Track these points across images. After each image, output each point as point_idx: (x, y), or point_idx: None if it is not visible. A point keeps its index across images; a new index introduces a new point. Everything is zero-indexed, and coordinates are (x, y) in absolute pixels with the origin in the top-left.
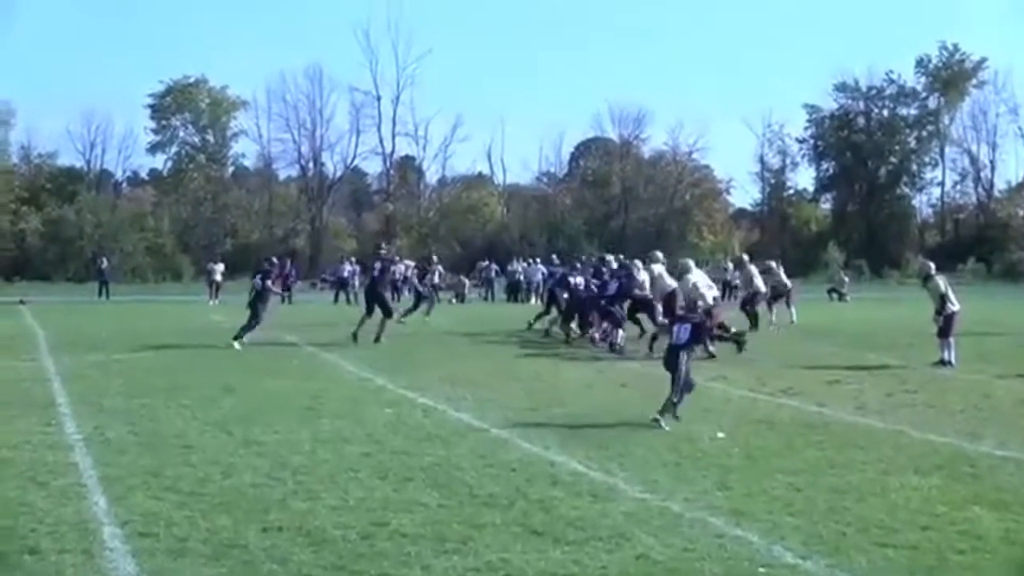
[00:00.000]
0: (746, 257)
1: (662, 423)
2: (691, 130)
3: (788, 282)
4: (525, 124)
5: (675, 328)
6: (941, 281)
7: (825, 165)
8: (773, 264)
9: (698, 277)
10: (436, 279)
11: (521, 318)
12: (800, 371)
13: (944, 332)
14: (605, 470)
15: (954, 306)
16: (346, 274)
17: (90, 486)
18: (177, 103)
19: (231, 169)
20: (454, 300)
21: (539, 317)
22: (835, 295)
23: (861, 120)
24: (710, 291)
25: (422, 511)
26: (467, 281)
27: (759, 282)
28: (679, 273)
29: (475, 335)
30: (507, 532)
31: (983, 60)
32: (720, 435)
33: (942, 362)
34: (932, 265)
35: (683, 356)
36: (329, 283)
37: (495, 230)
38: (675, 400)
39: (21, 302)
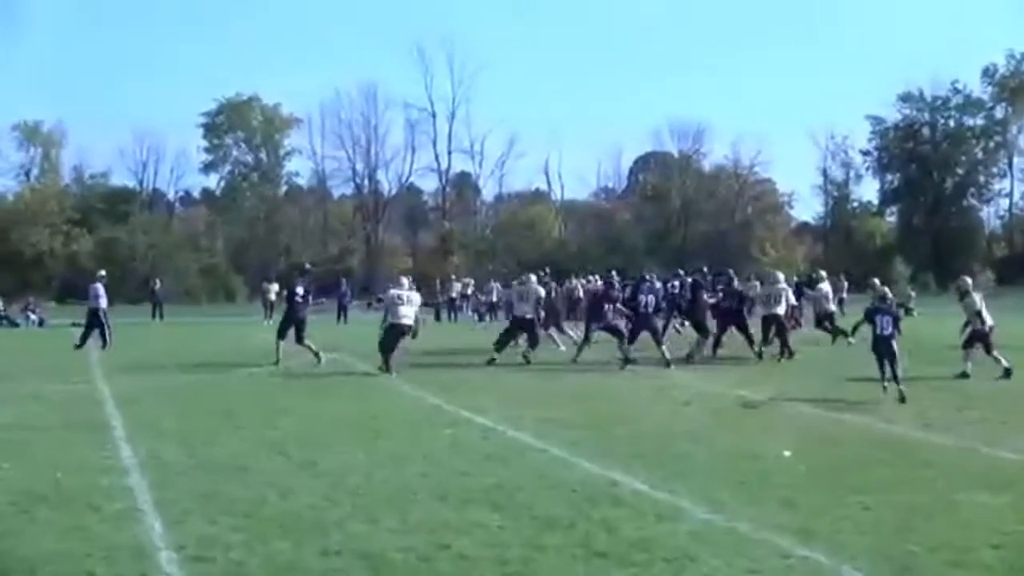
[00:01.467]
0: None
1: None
2: (752, 144)
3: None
4: (582, 139)
5: (878, 319)
6: (977, 298)
7: (890, 177)
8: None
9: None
10: (494, 297)
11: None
12: (866, 386)
13: (968, 343)
14: (668, 490)
15: (988, 323)
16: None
17: (145, 510)
18: (230, 121)
19: (284, 188)
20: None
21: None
22: (902, 309)
23: (926, 131)
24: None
25: (482, 533)
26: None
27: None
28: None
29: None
30: (569, 554)
31: None
32: (786, 453)
33: (964, 374)
34: (969, 281)
35: (894, 343)
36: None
37: (552, 247)
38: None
39: (74, 325)
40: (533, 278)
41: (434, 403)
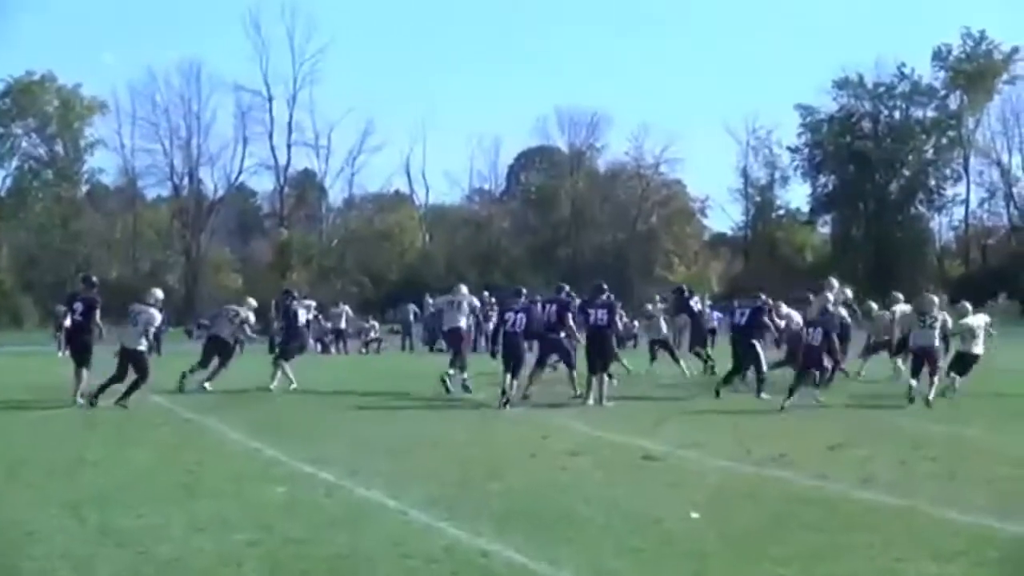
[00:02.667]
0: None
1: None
2: (658, 138)
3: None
4: (452, 131)
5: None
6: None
7: (823, 179)
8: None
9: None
10: (342, 323)
11: (444, 369)
12: (793, 434)
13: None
14: (550, 559)
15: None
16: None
17: None
18: (19, 106)
19: (86, 188)
20: (364, 350)
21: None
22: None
23: (867, 124)
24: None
25: None
26: (377, 324)
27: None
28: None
29: (389, 394)
30: None
31: (1015, 50)
32: (693, 515)
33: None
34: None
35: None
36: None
37: (415, 260)
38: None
39: None
40: (463, 287)
41: (268, 454)
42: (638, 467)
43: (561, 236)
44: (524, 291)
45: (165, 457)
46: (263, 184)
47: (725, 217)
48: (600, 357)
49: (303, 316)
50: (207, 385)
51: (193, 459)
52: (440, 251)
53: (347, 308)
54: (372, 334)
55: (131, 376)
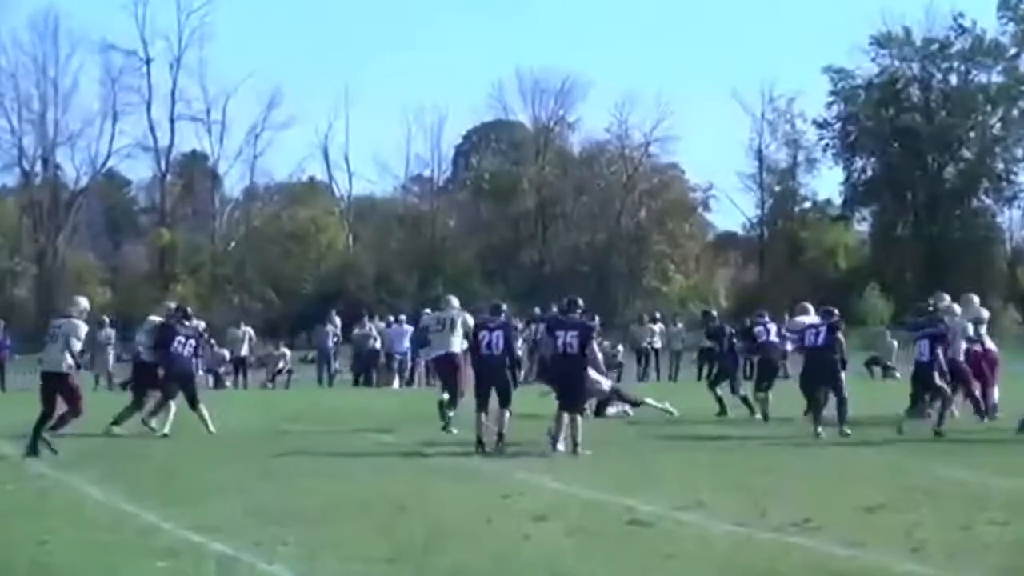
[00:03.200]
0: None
1: None
2: (647, 110)
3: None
4: (382, 103)
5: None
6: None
7: (859, 163)
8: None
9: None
10: (244, 350)
11: (376, 408)
12: (819, 491)
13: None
14: None
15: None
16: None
17: None
18: None
19: None
20: (270, 383)
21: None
22: (878, 368)
23: (915, 92)
24: None
25: None
26: (287, 352)
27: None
28: None
29: (303, 440)
30: None
31: None
32: None
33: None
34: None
35: None
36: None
37: (336, 268)
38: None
39: None
40: (454, 300)
41: (146, 519)
42: (623, 534)
43: (524, 236)
44: (503, 306)
45: (12, 526)
46: (139, 171)
47: (734, 212)
48: (570, 392)
49: (184, 343)
50: (154, 424)
51: (46, 527)
52: (368, 256)
53: (249, 330)
54: (281, 364)
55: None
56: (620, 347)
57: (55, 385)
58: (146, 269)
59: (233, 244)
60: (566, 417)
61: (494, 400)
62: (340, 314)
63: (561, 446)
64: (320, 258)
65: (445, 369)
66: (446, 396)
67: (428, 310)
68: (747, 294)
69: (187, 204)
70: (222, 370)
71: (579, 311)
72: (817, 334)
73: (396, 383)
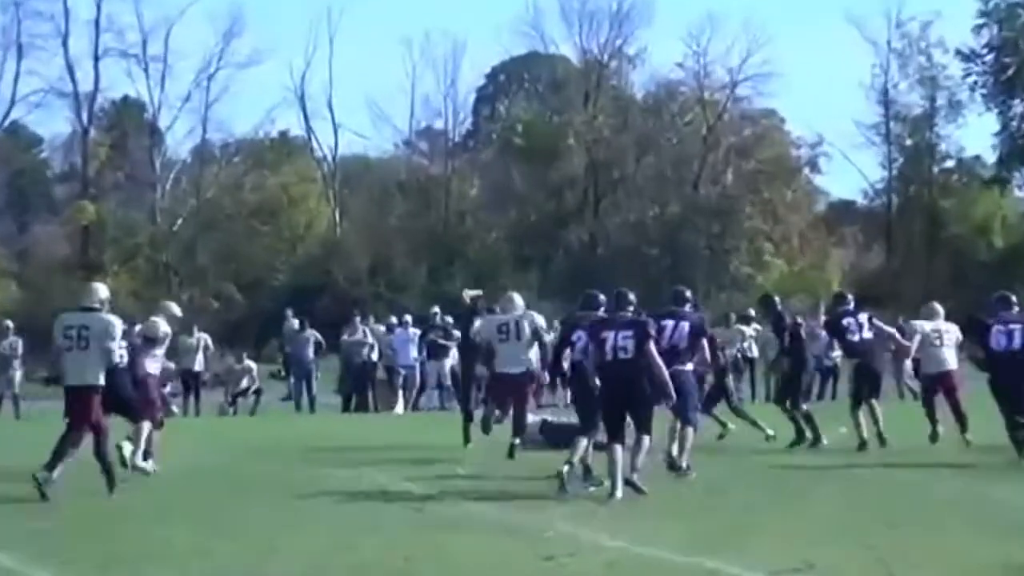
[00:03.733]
0: None
1: None
2: (733, 37)
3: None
4: (377, 31)
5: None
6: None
7: (1020, 106)
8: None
9: None
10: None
11: (373, 440)
12: (969, 549)
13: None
14: None
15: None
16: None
17: None
18: None
19: None
20: (230, 407)
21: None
22: None
23: None
24: None
25: None
26: (253, 366)
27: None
28: None
29: (277, 476)
30: None
31: None
32: None
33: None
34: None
35: None
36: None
37: (318, 256)
38: None
39: None
40: (518, 299)
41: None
42: None
43: (569, 209)
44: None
45: None
46: (53, 124)
47: (851, 174)
48: (637, 405)
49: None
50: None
51: None
52: (361, 237)
53: (204, 337)
54: (245, 381)
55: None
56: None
57: (88, 402)
58: (63, 256)
59: (180, 222)
60: (618, 448)
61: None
62: (323, 314)
63: (619, 491)
64: (296, 240)
65: (513, 389)
66: (515, 441)
67: (436, 309)
68: (870, 283)
69: (118, 169)
70: (167, 390)
71: (631, 307)
72: (1008, 336)
73: (399, 406)
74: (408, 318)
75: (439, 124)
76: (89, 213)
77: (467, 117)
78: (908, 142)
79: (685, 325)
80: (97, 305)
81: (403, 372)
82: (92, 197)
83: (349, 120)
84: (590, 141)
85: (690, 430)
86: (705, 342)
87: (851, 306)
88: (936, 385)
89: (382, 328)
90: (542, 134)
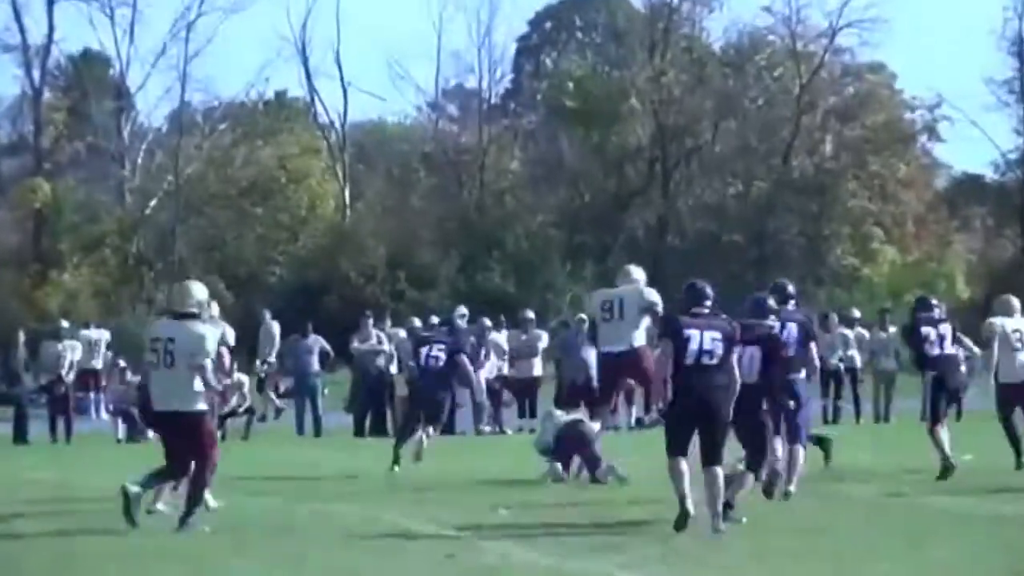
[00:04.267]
0: None
1: None
2: None
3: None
4: None
5: None
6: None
7: None
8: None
9: None
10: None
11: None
12: None
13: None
14: None
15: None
16: None
17: None
18: None
19: None
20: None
21: None
22: None
23: None
24: None
25: None
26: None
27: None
28: None
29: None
30: None
31: None
32: None
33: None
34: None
35: None
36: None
37: (324, 243)
38: None
39: None
40: (637, 272)
41: None
42: None
43: (632, 185)
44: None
45: None
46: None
47: (980, 143)
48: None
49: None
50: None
51: None
52: (376, 222)
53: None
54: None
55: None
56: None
57: (184, 430)
58: (12, 246)
59: (154, 204)
60: (718, 472)
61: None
62: (330, 317)
63: (721, 525)
64: (297, 226)
65: (634, 370)
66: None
67: (463, 310)
68: (1002, 277)
69: (78, 139)
70: (123, 405)
71: (708, 303)
72: None
73: (429, 431)
74: (435, 320)
75: (471, 83)
76: (43, 193)
77: (506, 74)
78: None
79: (793, 327)
80: (193, 310)
81: None
82: (47, 174)
83: (361, 78)
84: (657, 103)
85: (799, 449)
86: (813, 347)
87: (935, 313)
88: (1013, 398)
89: (402, 332)
90: (598, 94)
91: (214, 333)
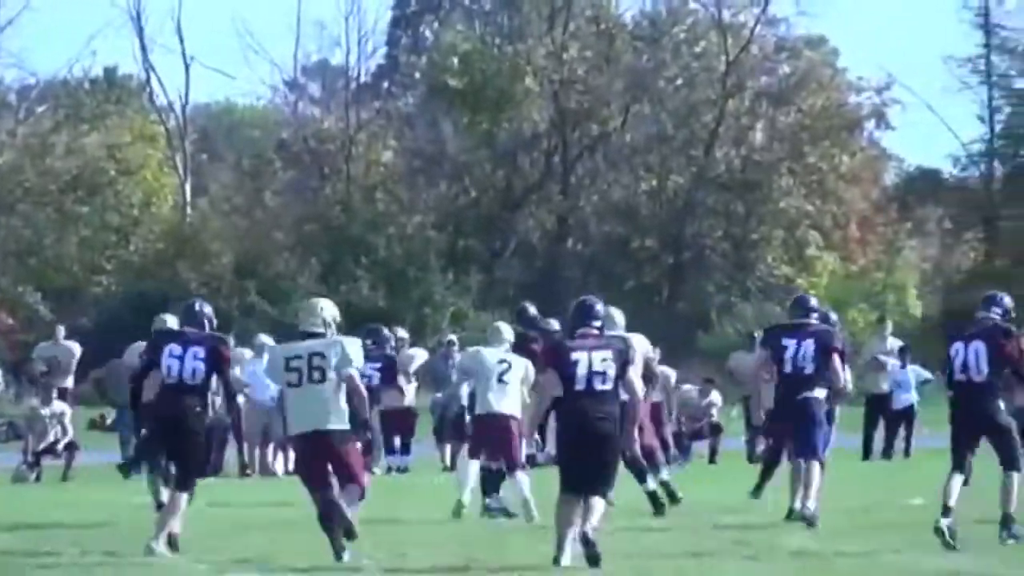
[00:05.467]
0: None
1: None
2: None
3: None
4: None
5: None
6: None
7: None
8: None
9: None
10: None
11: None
12: None
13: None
14: None
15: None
16: None
17: None
18: None
19: None
20: (29, 472)
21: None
22: None
23: None
24: None
25: None
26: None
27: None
28: None
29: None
30: None
31: None
32: None
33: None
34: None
35: None
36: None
37: (162, 247)
38: None
39: None
40: (618, 316)
41: None
42: None
43: (527, 180)
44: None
45: None
46: None
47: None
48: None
49: None
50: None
51: None
52: (222, 223)
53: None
54: (52, 434)
55: None
56: (715, 394)
57: (329, 452)
58: None
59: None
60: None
61: None
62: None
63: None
64: (129, 227)
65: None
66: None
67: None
68: (961, 289)
69: None
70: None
71: (597, 323)
72: None
73: (280, 465)
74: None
75: (337, 58)
76: None
77: (378, 48)
78: (1020, 84)
79: (810, 343)
80: (321, 329)
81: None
82: None
83: (206, 53)
84: (557, 83)
85: (816, 466)
86: (836, 360)
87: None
88: None
89: (247, 353)
90: (488, 72)
91: (358, 346)
